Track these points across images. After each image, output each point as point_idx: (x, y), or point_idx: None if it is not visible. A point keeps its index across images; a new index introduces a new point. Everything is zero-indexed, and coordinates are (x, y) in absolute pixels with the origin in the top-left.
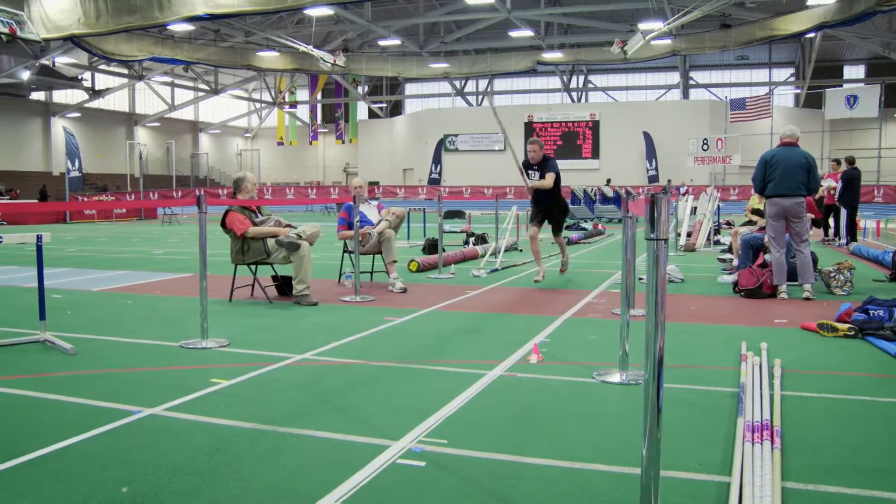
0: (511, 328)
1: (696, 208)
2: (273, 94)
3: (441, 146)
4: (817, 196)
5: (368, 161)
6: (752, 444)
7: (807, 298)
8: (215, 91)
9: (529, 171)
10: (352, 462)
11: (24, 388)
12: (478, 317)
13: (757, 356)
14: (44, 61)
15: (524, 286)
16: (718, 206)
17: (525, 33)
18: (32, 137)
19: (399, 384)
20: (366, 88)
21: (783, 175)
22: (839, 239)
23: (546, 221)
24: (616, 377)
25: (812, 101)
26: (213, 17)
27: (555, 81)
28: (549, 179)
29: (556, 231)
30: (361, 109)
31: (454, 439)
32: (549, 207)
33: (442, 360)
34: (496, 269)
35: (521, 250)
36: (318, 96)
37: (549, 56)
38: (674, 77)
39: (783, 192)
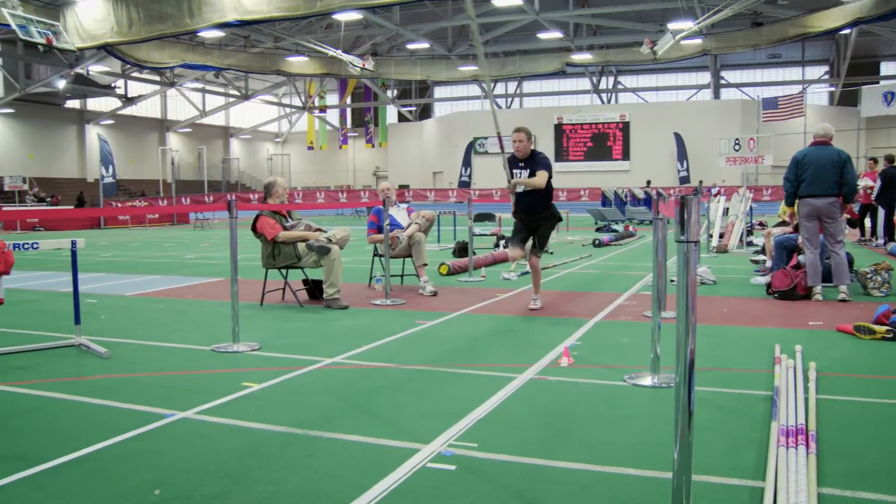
0: (541, 331)
1: (727, 209)
2: (303, 98)
3: (471, 149)
4: (857, 195)
5: (398, 164)
6: (787, 448)
7: (842, 300)
8: (246, 96)
9: (514, 171)
10: (382, 466)
11: (59, 391)
12: (508, 320)
13: (791, 359)
14: (78, 70)
15: (555, 289)
16: (751, 207)
17: (554, 35)
18: (68, 145)
19: (429, 388)
20: (395, 92)
21: (815, 174)
22: (876, 239)
23: (531, 235)
24: (647, 380)
25: (847, 98)
26: (242, 24)
27: (584, 83)
28: (542, 178)
29: (539, 247)
30: (391, 113)
31: (485, 443)
32: (538, 215)
33: (472, 363)
34: (527, 272)
35: (551, 252)
36: (348, 100)
37: (578, 57)
38: (704, 77)
39: (816, 192)
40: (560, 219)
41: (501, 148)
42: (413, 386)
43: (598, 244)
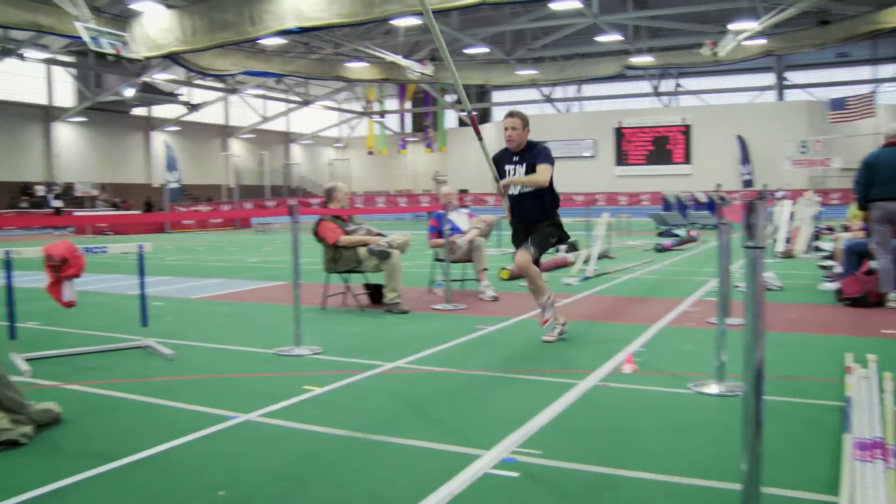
0: (604, 337)
1: (793, 213)
2: (362, 104)
3: None
4: None
5: (458, 169)
6: (863, 462)
7: None
8: (306, 102)
9: (507, 166)
10: (444, 471)
11: (127, 391)
12: (570, 325)
13: (864, 368)
14: (144, 78)
15: (617, 294)
16: (819, 212)
17: (613, 38)
18: (135, 151)
19: (491, 393)
20: (454, 97)
21: (887, 177)
22: None
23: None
24: (713, 388)
25: None
26: (302, 31)
27: (644, 86)
28: (543, 173)
29: (532, 246)
30: (450, 118)
31: (547, 450)
32: (535, 220)
33: (534, 369)
34: (588, 277)
35: (613, 258)
36: (407, 105)
37: (637, 60)
38: (768, 78)
39: (888, 196)
40: (566, 237)
41: (477, 134)
42: (474, 391)
43: (659, 249)
